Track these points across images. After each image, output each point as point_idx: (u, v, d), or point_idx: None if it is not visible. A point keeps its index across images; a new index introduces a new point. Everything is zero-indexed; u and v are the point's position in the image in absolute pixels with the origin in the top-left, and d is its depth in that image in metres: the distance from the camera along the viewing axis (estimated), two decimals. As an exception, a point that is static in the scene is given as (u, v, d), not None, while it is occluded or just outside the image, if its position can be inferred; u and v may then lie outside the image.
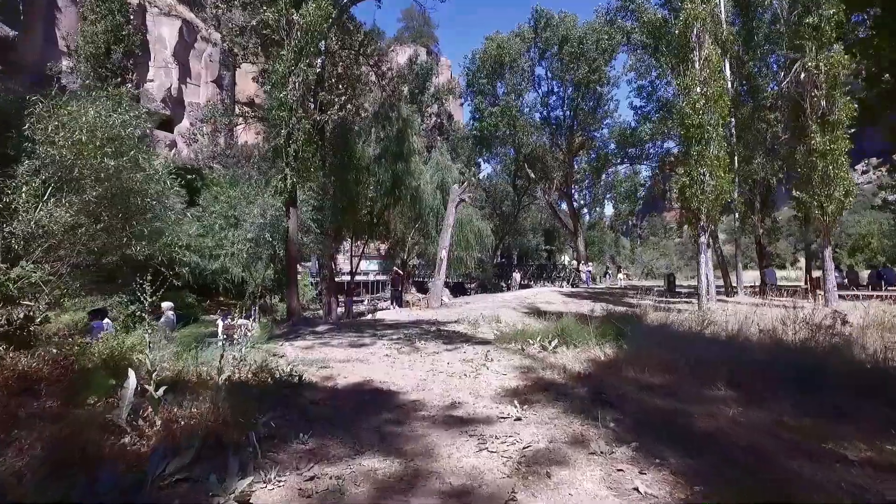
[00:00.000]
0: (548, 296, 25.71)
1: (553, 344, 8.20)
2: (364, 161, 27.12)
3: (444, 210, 31.81)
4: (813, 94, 16.14)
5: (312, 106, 14.17)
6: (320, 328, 11.53)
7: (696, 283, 38.68)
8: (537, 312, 17.72)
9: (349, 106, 22.24)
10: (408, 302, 30.14)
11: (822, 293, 19.12)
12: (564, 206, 53.78)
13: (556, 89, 41.23)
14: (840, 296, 19.14)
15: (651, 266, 60.06)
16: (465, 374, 6.52)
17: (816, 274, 30.35)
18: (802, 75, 20.53)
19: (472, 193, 27.87)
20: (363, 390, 5.78)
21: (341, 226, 25.68)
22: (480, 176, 53.35)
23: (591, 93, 39.50)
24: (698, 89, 15.27)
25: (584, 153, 40.07)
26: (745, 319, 10.91)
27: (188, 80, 62.32)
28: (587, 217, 55.03)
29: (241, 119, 18.02)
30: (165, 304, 13.76)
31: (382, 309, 34.61)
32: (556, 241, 64.70)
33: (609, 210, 69.78)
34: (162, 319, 13.93)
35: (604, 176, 42.26)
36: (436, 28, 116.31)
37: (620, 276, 40.73)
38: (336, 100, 21.66)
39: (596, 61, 36.85)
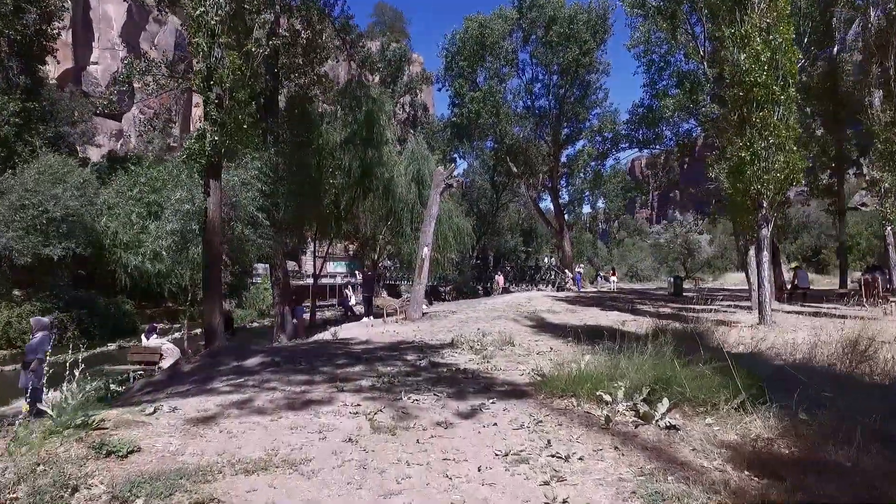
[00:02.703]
0: (544, 302, 22.12)
1: (662, 409, 4.45)
2: (329, 145, 23.25)
3: (421, 205, 28.00)
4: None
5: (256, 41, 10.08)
6: (252, 361, 7.53)
7: (696, 285, 35.53)
8: (547, 326, 14.02)
9: (309, 72, 18.28)
10: (380, 308, 26.31)
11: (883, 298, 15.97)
12: (543, 204, 50.69)
13: (540, 76, 38.01)
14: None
15: (637, 268, 57.26)
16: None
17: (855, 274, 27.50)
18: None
19: (459, 179, 24.13)
20: None
21: (302, 218, 21.69)
22: (456, 173, 49.74)
23: (579, 81, 36.35)
24: (759, 38, 11.80)
25: (587, 135, 36.69)
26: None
27: (138, 64, 57.10)
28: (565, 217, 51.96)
29: (169, 79, 13.82)
30: (35, 321, 9.36)
31: (353, 316, 30.54)
32: (535, 241, 61.75)
33: (587, 209, 67.16)
34: (30, 343, 9.68)
35: (589, 171, 39.06)
36: (408, 24, 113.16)
37: (613, 278, 37.50)
38: (293, 62, 17.71)
39: (587, 43, 33.63)
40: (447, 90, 37.20)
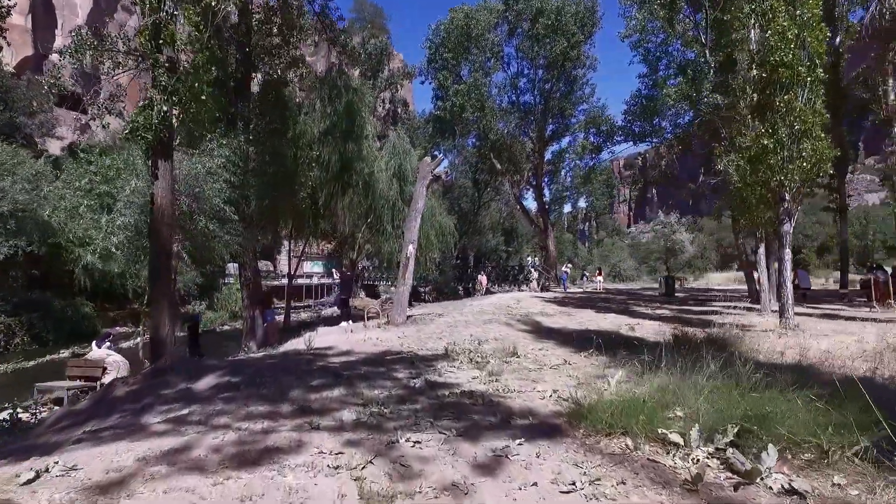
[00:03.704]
0: (534, 304, 20.90)
1: (769, 461, 3.19)
2: (306, 136, 21.78)
3: (402, 202, 26.69)
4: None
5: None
6: (204, 381, 6.06)
7: (681, 285, 34.55)
8: (545, 331, 12.77)
9: (285, 54, 16.78)
10: (359, 310, 24.91)
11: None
12: (525, 203, 49.47)
13: (526, 71, 36.90)
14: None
15: (620, 268, 56.57)
16: None
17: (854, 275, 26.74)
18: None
19: (447, 171, 22.86)
20: None
21: (276, 214, 20.14)
22: (442, 166, 48.43)
23: (565, 75, 35.31)
24: (784, 13, 10.70)
25: (580, 127, 35.72)
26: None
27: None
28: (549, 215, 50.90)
29: (127, 57, 11.96)
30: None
31: (329, 317, 28.97)
32: (516, 241, 60.78)
33: (567, 208, 66.49)
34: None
35: (580, 166, 38.05)
36: (388, 20, 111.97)
37: (599, 278, 36.55)
38: (267, 42, 16.21)
39: (575, 36, 32.59)
40: (430, 83, 35.86)
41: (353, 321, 18.15)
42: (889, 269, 20.58)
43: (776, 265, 20.63)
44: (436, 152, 44.14)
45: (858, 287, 21.41)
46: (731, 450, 3.44)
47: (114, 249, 11.65)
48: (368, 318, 16.90)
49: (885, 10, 14.50)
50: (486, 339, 10.37)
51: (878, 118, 15.23)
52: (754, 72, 11.26)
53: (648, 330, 11.96)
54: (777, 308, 16.01)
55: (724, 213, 23.20)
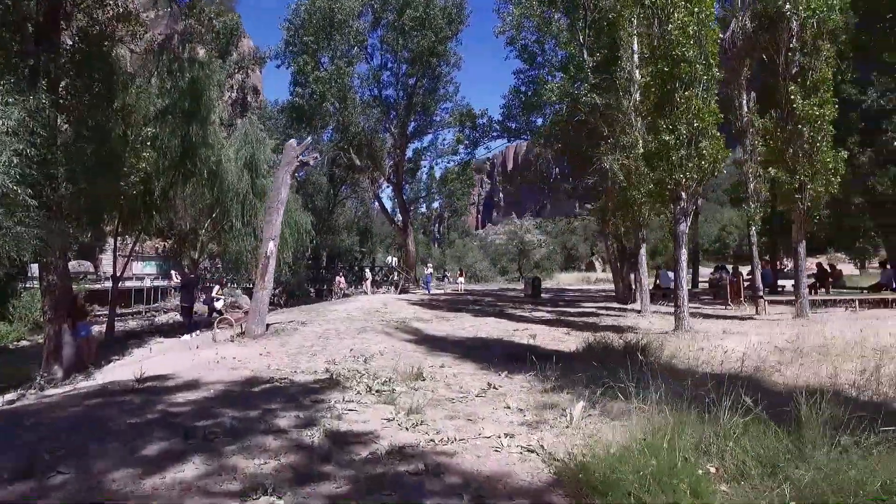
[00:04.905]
0: (402, 307, 19.49)
1: None
2: (140, 112, 18.26)
3: (254, 196, 23.75)
4: (790, 45, 12.26)
5: None
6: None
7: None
8: (431, 341, 11.35)
9: (111, 2, 13.54)
10: (199, 316, 21.68)
11: (754, 300, 15.94)
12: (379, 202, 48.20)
13: (389, 64, 35.50)
14: (772, 301, 16.18)
15: (475, 269, 57.32)
16: None
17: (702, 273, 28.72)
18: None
19: (317, 156, 20.52)
20: None
21: (98, 203, 16.43)
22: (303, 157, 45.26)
23: (430, 72, 34.51)
24: (683, 9, 10.40)
25: (442, 125, 34.97)
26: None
27: None
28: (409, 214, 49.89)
29: None
30: None
31: (163, 326, 24.99)
32: (370, 241, 59.22)
33: (423, 209, 66.65)
34: None
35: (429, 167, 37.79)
36: (236, 3, 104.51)
37: (461, 279, 36.25)
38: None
39: (443, 31, 31.85)
40: (288, 67, 32.98)
41: (199, 331, 15.37)
42: (730, 269, 22.52)
43: (626, 267, 21.55)
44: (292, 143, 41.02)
45: (708, 286, 23.14)
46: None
47: None
48: (218, 327, 14.23)
49: (739, 28, 15.21)
50: (370, 355, 8.69)
51: (735, 129, 16.05)
52: (639, 74, 10.90)
53: (546, 336, 11.07)
54: (654, 310, 16.38)
55: (581, 214, 23.74)
